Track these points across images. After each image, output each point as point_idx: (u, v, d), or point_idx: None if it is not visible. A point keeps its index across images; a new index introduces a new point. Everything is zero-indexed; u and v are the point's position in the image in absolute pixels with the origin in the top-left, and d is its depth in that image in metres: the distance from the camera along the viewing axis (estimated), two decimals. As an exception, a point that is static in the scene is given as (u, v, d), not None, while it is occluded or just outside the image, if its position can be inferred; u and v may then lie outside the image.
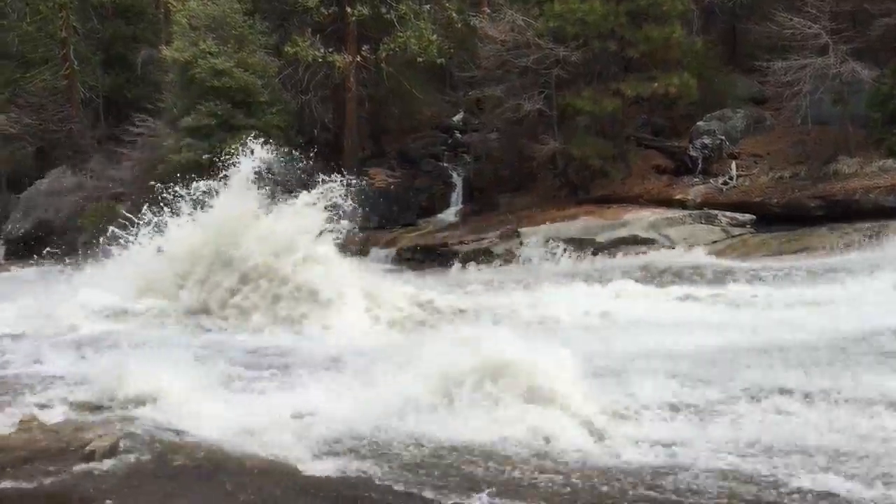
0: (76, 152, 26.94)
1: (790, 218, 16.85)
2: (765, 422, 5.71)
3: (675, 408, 6.08)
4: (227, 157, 12.58)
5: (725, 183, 18.63)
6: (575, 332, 9.23)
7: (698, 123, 19.98)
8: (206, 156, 20.22)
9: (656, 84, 18.55)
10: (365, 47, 22.66)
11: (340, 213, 11.81)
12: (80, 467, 5.12)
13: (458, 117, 26.44)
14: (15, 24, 28.50)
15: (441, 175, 23.72)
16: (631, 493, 4.64)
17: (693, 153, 19.49)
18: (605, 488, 4.70)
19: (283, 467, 5.06)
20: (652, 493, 4.62)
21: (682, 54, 19.46)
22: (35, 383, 7.31)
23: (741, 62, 22.26)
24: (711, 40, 22.58)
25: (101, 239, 13.44)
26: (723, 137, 19.56)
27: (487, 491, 4.61)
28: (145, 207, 12.76)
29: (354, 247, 16.02)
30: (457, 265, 16.81)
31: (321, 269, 11.16)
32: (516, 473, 4.94)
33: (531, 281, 13.65)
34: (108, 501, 4.62)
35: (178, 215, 12.27)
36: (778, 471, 4.85)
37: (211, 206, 11.98)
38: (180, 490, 4.79)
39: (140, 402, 6.31)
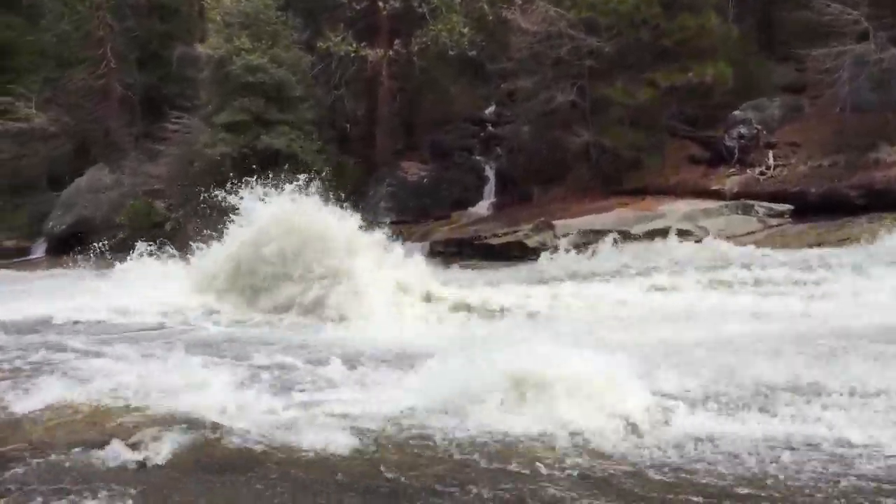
0: (114, 150, 27.34)
1: (829, 208, 16.57)
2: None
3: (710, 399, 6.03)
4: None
5: (762, 173, 18.37)
6: (604, 324, 9.20)
7: (734, 113, 19.70)
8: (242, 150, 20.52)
9: (691, 73, 18.34)
10: (397, 41, 22.72)
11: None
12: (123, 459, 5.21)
13: (490, 109, 26.40)
14: (53, 24, 28.95)
15: (474, 167, 23.69)
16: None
17: (729, 143, 19.21)
18: (636, 481, 4.69)
19: (324, 461, 5.10)
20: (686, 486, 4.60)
21: (717, 42, 19.22)
22: (82, 373, 7.43)
23: (777, 50, 21.91)
24: (746, 28, 22.27)
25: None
26: (759, 126, 19.27)
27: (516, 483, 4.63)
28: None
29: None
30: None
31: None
32: (543, 469, 4.94)
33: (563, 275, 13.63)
34: (151, 494, 4.71)
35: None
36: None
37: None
38: (221, 483, 4.86)
39: (184, 394, 6.39)
